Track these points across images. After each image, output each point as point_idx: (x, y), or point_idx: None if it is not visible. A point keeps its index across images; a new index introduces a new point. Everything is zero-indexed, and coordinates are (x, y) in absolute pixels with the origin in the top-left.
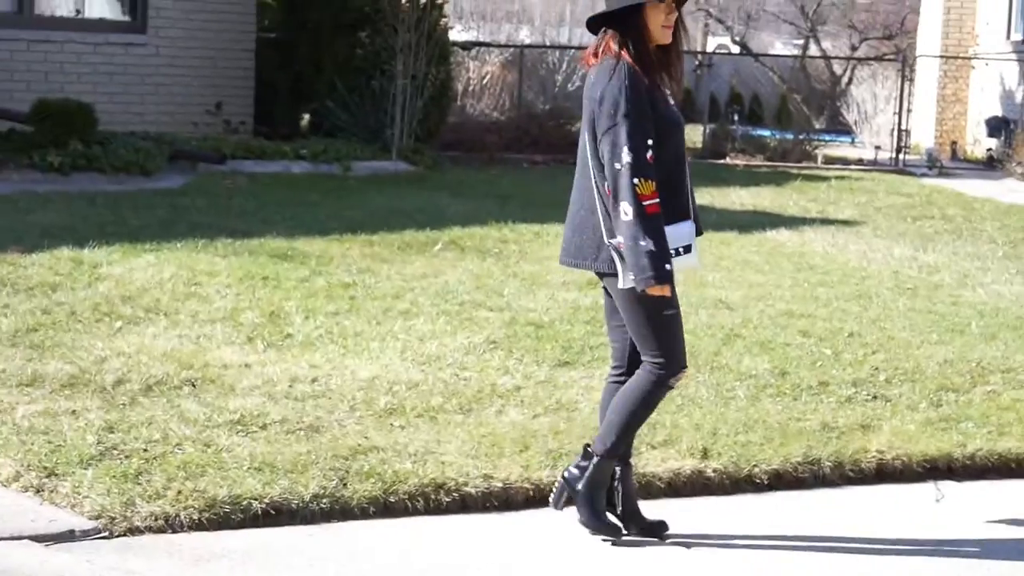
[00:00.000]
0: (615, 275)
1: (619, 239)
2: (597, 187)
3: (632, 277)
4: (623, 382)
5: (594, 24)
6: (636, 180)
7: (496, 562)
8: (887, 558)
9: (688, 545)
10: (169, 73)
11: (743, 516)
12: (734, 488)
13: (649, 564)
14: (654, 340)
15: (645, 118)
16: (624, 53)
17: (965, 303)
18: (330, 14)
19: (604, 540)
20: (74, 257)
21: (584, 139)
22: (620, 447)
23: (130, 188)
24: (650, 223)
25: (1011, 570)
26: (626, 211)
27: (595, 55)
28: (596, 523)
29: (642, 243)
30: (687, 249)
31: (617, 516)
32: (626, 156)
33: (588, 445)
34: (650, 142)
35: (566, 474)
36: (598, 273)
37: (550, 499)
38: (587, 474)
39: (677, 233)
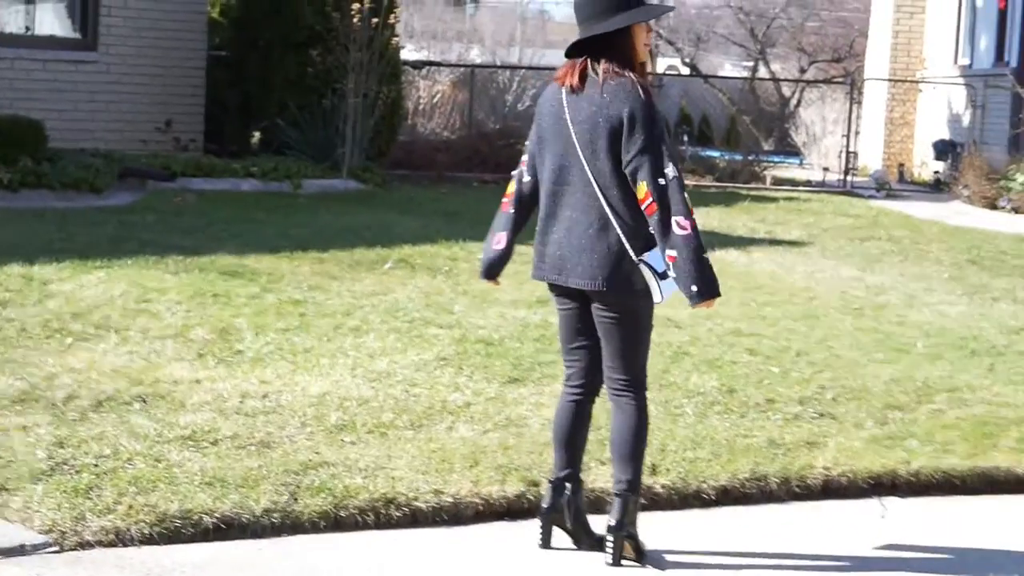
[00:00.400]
0: (630, 292)
1: (672, 252)
2: (611, 205)
3: (695, 290)
4: (583, 401)
5: (577, 47)
6: (685, 194)
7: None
8: (833, 571)
9: (663, 567)
10: (119, 91)
11: (691, 531)
12: (682, 504)
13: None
14: (637, 360)
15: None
16: (632, 73)
17: (911, 323)
18: (280, 33)
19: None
20: (24, 274)
21: (583, 159)
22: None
23: (79, 205)
24: (701, 237)
25: None
26: (683, 225)
27: (581, 78)
28: (645, 552)
29: (705, 256)
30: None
31: (567, 531)
32: (671, 171)
33: (616, 488)
34: None
35: (612, 525)
36: (601, 291)
37: (609, 559)
38: (627, 514)
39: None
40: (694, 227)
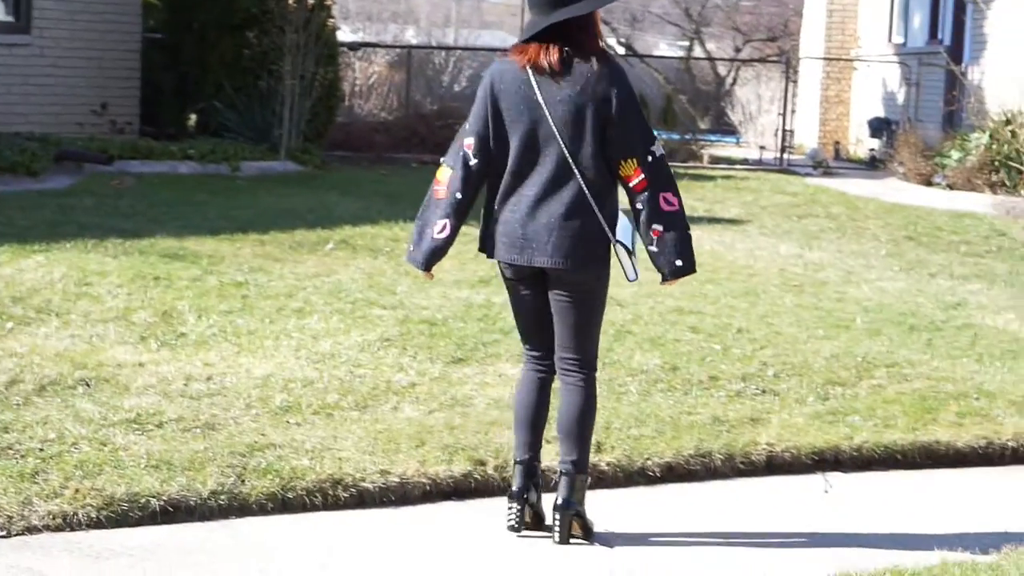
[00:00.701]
0: (595, 272)
1: (659, 227)
2: (588, 185)
3: (679, 265)
4: (549, 379)
5: (547, 30)
6: (670, 170)
7: (397, 556)
8: (779, 547)
9: (612, 544)
10: (53, 74)
11: (637, 509)
12: (627, 481)
13: (548, 554)
14: (591, 340)
15: None
16: (613, 56)
17: (850, 299)
18: (216, 15)
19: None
20: None
21: (560, 139)
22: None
23: (16, 189)
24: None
25: (897, 558)
26: (671, 201)
27: (561, 60)
28: (593, 531)
29: (689, 232)
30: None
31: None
32: (658, 148)
33: (563, 467)
34: None
35: (560, 503)
36: (565, 271)
37: (557, 537)
38: (575, 493)
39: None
40: (681, 203)
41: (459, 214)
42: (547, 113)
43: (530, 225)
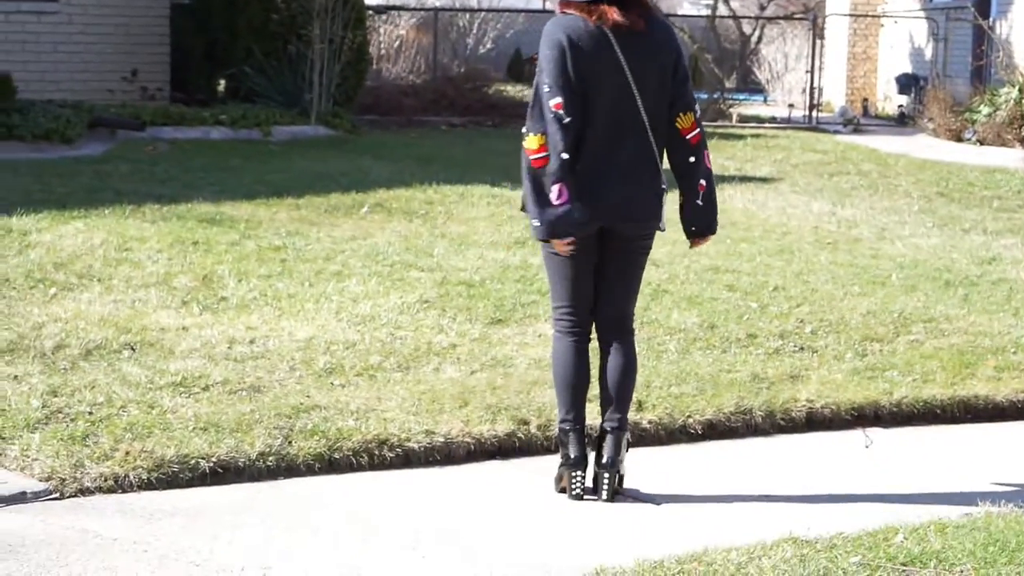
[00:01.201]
0: (658, 223)
1: (703, 183)
2: (656, 143)
3: (711, 223)
4: (586, 339)
5: None
6: None
7: (446, 514)
8: (821, 503)
9: (633, 496)
10: (83, 41)
11: (680, 466)
12: (669, 439)
13: (591, 511)
14: (637, 296)
15: None
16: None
17: (884, 256)
18: None
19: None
20: (2, 225)
21: (638, 99)
22: None
23: (52, 156)
24: None
25: (940, 511)
26: (709, 158)
27: (641, 21)
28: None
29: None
30: None
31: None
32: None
33: (610, 427)
34: None
35: (606, 462)
36: (652, 230)
37: (604, 495)
38: (622, 451)
39: None
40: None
41: (569, 174)
42: (628, 72)
43: (630, 189)
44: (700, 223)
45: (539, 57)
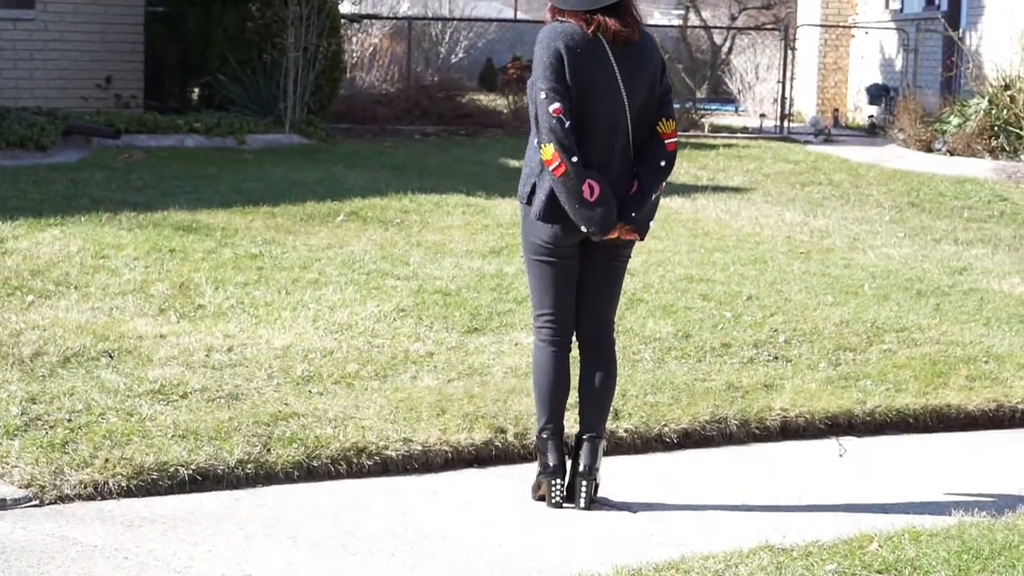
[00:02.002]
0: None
1: (662, 184)
2: (637, 151)
3: (646, 220)
4: (567, 348)
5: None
6: None
7: (424, 521)
8: (796, 511)
9: (609, 504)
10: (58, 48)
11: (655, 474)
12: (645, 447)
13: (569, 519)
14: (618, 301)
15: None
16: None
17: (857, 266)
18: None
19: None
20: None
21: (628, 108)
22: None
23: (27, 163)
24: None
25: (914, 520)
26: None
27: (634, 30)
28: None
29: None
30: None
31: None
32: None
33: (588, 435)
34: None
35: (584, 470)
36: (638, 238)
37: (582, 503)
38: (599, 459)
39: None
40: None
41: (590, 172)
42: (620, 82)
43: (616, 197)
44: (641, 216)
45: (535, 63)
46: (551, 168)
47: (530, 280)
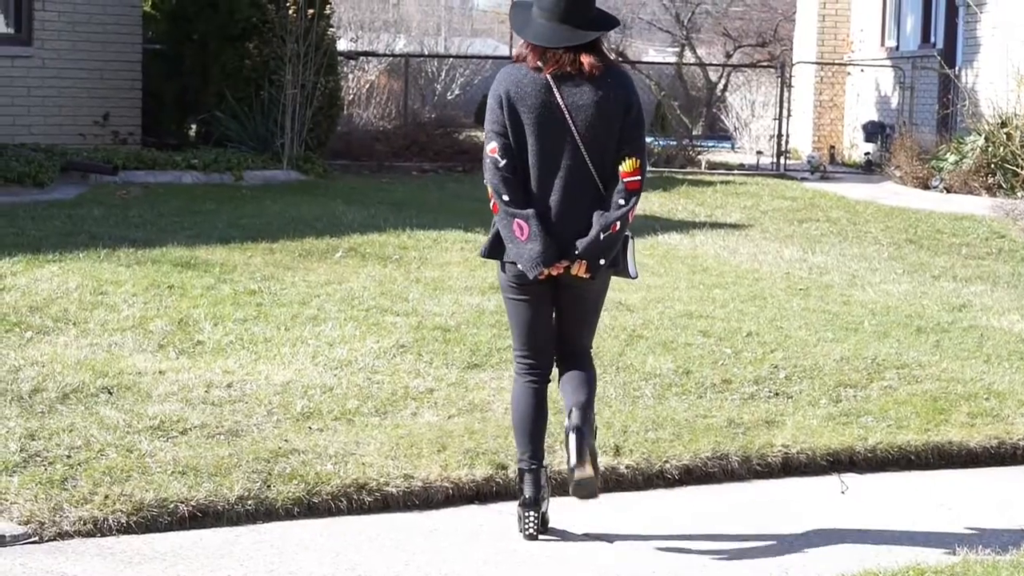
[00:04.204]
0: (614, 268)
1: (618, 225)
2: (604, 185)
3: (596, 256)
4: (545, 382)
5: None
6: None
7: (423, 558)
8: (798, 547)
9: (611, 540)
10: (56, 85)
11: (656, 510)
12: (647, 483)
13: (572, 556)
14: (595, 329)
15: None
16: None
17: (856, 302)
18: (216, 25)
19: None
20: None
21: (580, 142)
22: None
23: (24, 200)
24: None
25: (918, 556)
26: (634, 211)
27: (591, 67)
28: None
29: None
30: None
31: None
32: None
33: (572, 427)
34: None
35: (572, 426)
36: (602, 273)
37: (574, 460)
38: (592, 426)
39: None
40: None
41: (520, 213)
42: (568, 116)
43: (564, 232)
44: (585, 253)
45: None
46: (491, 204)
47: (508, 317)
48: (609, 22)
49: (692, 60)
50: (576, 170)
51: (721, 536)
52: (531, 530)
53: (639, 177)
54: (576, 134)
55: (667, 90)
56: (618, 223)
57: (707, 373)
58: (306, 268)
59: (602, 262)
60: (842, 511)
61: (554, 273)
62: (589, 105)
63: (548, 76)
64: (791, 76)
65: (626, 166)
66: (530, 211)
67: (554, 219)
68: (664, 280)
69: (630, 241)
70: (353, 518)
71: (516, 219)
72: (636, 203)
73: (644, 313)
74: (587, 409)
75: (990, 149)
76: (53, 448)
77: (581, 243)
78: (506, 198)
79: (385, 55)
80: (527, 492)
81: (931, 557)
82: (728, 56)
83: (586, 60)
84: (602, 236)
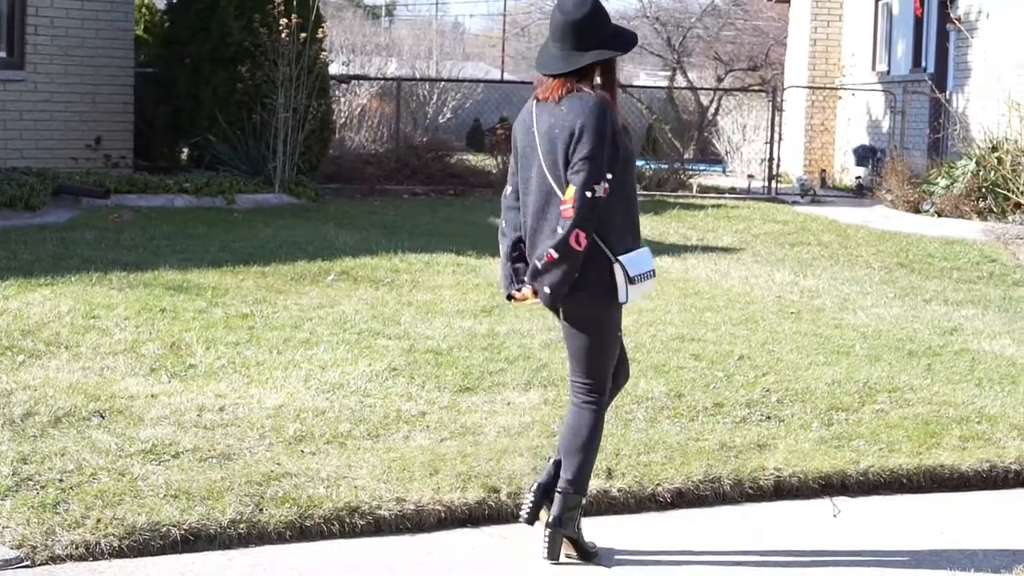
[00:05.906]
0: (600, 296)
1: (555, 254)
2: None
3: (534, 279)
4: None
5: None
6: (596, 213)
7: None
8: (792, 570)
9: (609, 564)
10: (48, 109)
11: (648, 533)
12: (639, 507)
13: None
14: (596, 363)
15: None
16: (594, 91)
17: (847, 326)
18: (208, 49)
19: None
20: None
21: (546, 168)
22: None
23: (16, 223)
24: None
25: None
26: (580, 241)
27: (560, 94)
28: (591, 553)
29: (576, 274)
30: (652, 274)
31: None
32: (600, 189)
33: (559, 490)
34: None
35: (552, 520)
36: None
37: (545, 553)
38: (573, 513)
39: (642, 258)
40: (587, 246)
41: (508, 235)
42: (538, 142)
43: (531, 256)
44: (529, 276)
45: None
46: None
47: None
48: (615, 45)
49: (683, 84)
50: (544, 195)
51: (712, 560)
52: (524, 512)
53: (570, 205)
54: (541, 160)
55: (658, 114)
56: (553, 251)
57: (699, 396)
58: (298, 291)
59: (547, 290)
60: (834, 534)
61: (518, 297)
62: (546, 131)
63: (533, 102)
64: (782, 100)
65: (566, 193)
66: (504, 237)
67: (527, 244)
68: (656, 303)
69: (616, 265)
70: (345, 541)
71: (511, 243)
72: (572, 231)
73: (636, 337)
74: (570, 495)
75: (981, 173)
76: (45, 472)
77: (529, 269)
78: (502, 224)
79: (377, 78)
80: (538, 479)
81: None
82: (719, 80)
83: (552, 85)
84: (539, 264)
